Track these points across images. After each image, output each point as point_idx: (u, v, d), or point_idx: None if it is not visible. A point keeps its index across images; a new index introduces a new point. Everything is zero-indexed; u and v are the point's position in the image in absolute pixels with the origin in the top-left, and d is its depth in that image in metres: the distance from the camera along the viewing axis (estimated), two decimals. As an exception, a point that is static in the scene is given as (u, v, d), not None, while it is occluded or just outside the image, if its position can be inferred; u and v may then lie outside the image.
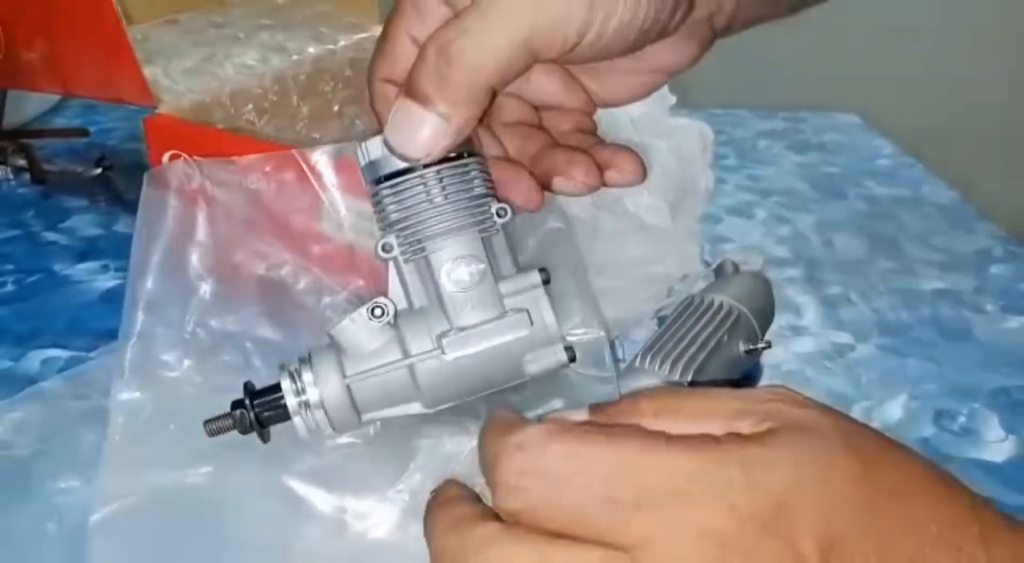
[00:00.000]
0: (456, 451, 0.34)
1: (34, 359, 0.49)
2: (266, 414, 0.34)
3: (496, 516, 0.25)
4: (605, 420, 0.27)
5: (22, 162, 0.73)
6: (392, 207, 0.33)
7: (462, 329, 0.33)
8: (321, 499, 0.33)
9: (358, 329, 0.33)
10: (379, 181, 0.33)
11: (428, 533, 0.27)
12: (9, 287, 0.57)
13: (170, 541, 0.33)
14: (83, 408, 0.40)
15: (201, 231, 0.42)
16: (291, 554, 0.33)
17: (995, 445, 0.46)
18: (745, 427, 0.25)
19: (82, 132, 0.82)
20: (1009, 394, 0.51)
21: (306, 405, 0.33)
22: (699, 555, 0.23)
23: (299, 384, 0.33)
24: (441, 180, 0.33)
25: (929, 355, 0.54)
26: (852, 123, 1.03)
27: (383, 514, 0.33)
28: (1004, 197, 0.95)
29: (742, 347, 0.46)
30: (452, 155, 0.33)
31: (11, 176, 0.74)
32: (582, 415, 0.27)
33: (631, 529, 0.23)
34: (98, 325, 0.52)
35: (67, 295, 0.56)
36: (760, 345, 0.47)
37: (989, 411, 0.49)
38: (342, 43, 0.66)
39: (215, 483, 0.34)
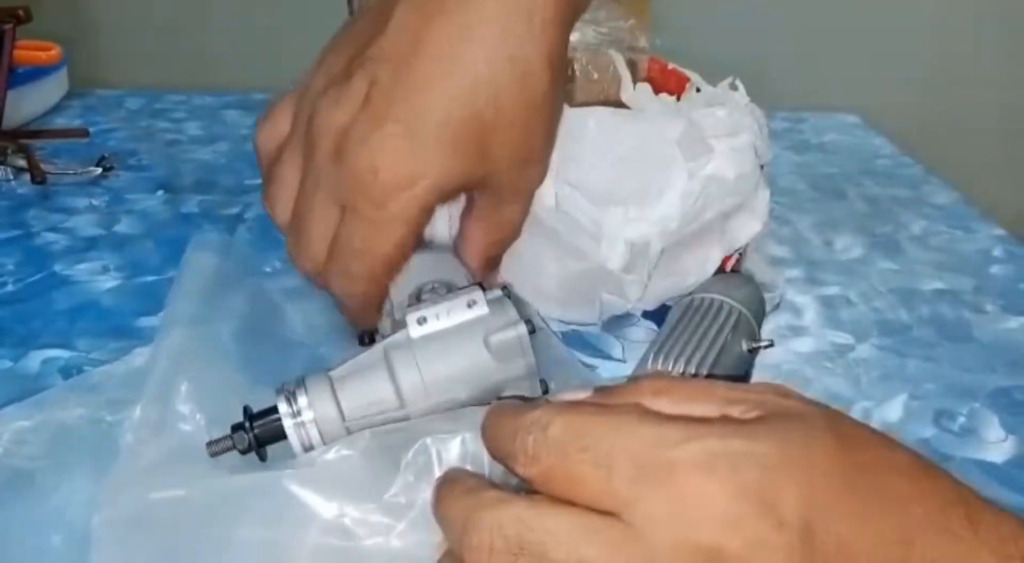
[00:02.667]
0: (447, 454, 0.34)
1: (34, 359, 0.49)
2: (264, 435, 0.36)
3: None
4: (606, 398, 0.29)
5: (22, 162, 0.73)
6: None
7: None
8: (320, 505, 0.33)
9: (350, 353, 0.37)
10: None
11: (439, 503, 0.29)
12: (9, 287, 0.57)
13: (172, 545, 0.33)
14: (87, 416, 0.40)
15: (238, 300, 0.45)
16: (292, 559, 0.33)
17: (995, 445, 0.46)
18: (736, 412, 0.27)
19: (82, 132, 0.82)
20: (1009, 394, 0.51)
21: (301, 425, 0.35)
22: (680, 519, 0.24)
23: (294, 406, 0.36)
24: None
25: (929, 355, 0.54)
26: (852, 123, 1.03)
27: (381, 519, 0.33)
28: (1004, 197, 0.95)
29: (745, 346, 0.46)
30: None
31: (11, 176, 0.74)
32: (587, 394, 0.30)
33: (619, 494, 0.25)
34: (98, 326, 0.52)
35: (67, 296, 0.56)
36: (763, 344, 0.47)
37: (989, 411, 0.49)
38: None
39: (216, 489, 0.34)
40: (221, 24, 1.09)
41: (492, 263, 0.45)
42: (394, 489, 0.33)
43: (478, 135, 0.37)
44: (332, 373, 0.36)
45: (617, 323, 0.55)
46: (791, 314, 0.58)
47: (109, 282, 0.58)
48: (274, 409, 0.36)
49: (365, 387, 0.36)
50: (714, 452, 0.24)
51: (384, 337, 0.37)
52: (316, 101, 0.38)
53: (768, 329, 0.54)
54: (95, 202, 0.71)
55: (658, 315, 0.52)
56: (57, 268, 0.60)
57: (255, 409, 0.36)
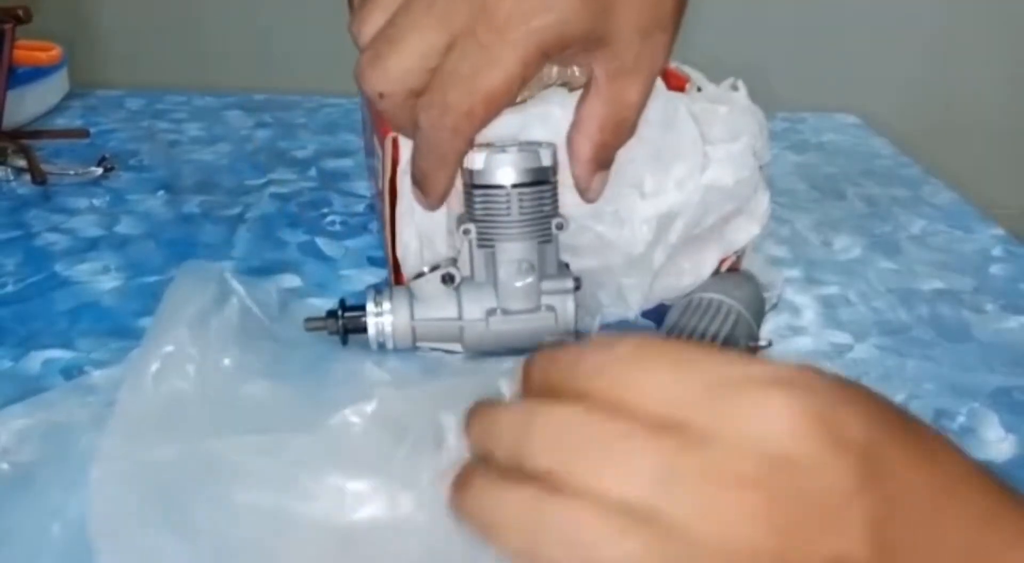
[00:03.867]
0: (454, 428, 0.35)
1: (35, 360, 0.49)
2: (350, 325, 0.45)
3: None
4: None
5: (22, 163, 0.73)
6: (479, 207, 0.43)
7: (506, 312, 0.44)
8: (323, 473, 0.33)
9: (430, 287, 0.45)
10: (475, 186, 0.43)
11: (465, 502, 0.26)
12: (9, 288, 0.57)
13: (170, 502, 0.33)
14: (87, 415, 0.40)
15: (232, 314, 0.45)
16: (292, 526, 0.33)
17: (995, 445, 0.47)
18: None
19: (83, 133, 0.82)
20: (1009, 394, 0.51)
21: (380, 326, 0.45)
22: (753, 441, 0.23)
23: (379, 309, 0.45)
24: (521, 201, 0.43)
25: (928, 355, 0.54)
26: (851, 123, 1.03)
27: (383, 492, 0.33)
28: (1004, 197, 0.96)
29: (743, 346, 0.46)
30: (535, 180, 0.42)
31: (11, 177, 0.74)
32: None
33: (699, 414, 0.24)
34: (99, 326, 0.53)
35: (68, 296, 0.56)
36: (761, 343, 0.47)
37: (989, 411, 0.49)
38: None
39: (218, 449, 0.34)
40: (221, 24, 1.09)
41: (602, 158, 0.42)
42: (398, 462, 0.33)
43: None
44: (414, 318, 0.45)
45: (616, 323, 0.55)
46: (790, 314, 0.58)
47: (110, 282, 0.58)
48: (362, 306, 0.45)
49: (437, 331, 0.45)
50: (781, 376, 0.24)
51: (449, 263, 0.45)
52: None
53: (767, 329, 0.54)
54: (96, 202, 0.71)
55: (657, 314, 0.53)
56: (58, 268, 0.60)
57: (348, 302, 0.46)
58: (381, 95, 0.39)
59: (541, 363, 0.28)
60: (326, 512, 0.33)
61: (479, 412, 0.27)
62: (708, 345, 0.27)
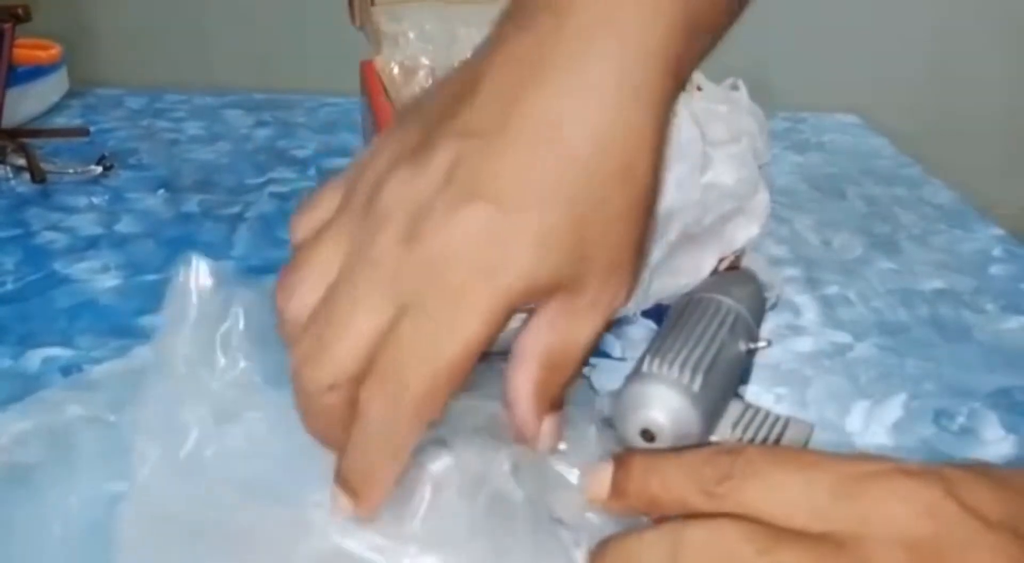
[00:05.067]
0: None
1: (34, 358, 0.49)
2: None
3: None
4: None
5: (22, 161, 0.73)
6: None
7: None
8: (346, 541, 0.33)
9: None
10: None
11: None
12: (9, 286, 0.57)
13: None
14: (86, 415, 0.40)
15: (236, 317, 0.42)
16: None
17: (995, 445, 0.46)
18: None
19: (82, 131, 0.82)
20: (1009, 394, 0.51)
21: None
22: (895, 531, 0.24)
23: None
24: None
25: (928, 355, 0.54)
26: (852, 123, 1.03)
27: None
28: (1004, 197, 0.95)
29: (743, 346, 0.46)
30: None
31: (11, 175, 0.74)
32: None
33: (836, 518, 0.25)
34: (99, 324, 0.53)
35: (67, 294, 0.56)
36: (760, 344, 0.47)
37: (989, 411, 0.49)
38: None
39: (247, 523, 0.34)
40: (221, 24, 1.09)
41: (545, 393, 0.34)
42: (411, 509, 0.33)
43: (576, 226, 0.31)
44: None
45: (615, 322, 0.55)
46: (790, 313, 0.58)
47: (109, 281, 0.58)
48: None
49: None
50: (903, 465, 0.25)
51: None
52: (383, 177, 0.31)
53: (767, 328, 0.54)
54: (95, 201, 0.71)
55: (657, 313, 0.53)
56: (57, 267, 0.60)
57: None
58: (331, 387, 0.31)
59: (640, 471, 0.29)
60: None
61: (611, 549, 0.28)
62: (807, 451, 0.28)
